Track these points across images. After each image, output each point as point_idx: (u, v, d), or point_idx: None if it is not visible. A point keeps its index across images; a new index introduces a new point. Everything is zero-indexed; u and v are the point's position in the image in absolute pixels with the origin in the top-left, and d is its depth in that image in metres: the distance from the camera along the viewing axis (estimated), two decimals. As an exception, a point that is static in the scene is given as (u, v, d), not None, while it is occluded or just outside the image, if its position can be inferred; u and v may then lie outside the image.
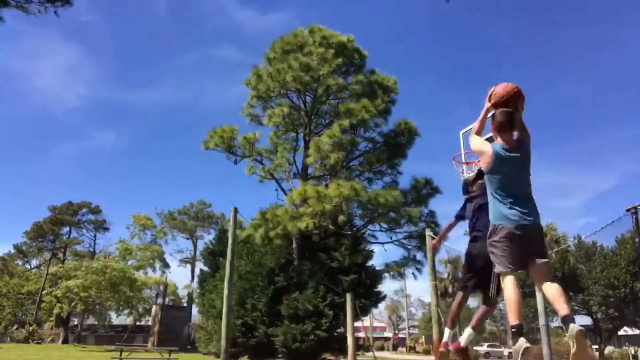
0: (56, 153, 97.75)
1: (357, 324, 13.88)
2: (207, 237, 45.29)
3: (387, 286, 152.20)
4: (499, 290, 3.28)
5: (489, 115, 3.16)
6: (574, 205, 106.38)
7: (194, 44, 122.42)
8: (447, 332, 4.09)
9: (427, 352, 43.02)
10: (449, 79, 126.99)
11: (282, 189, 15.44)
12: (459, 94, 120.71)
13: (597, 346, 29.18)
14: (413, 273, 15.92)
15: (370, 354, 20.53)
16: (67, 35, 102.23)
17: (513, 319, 2.78)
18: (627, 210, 4.54)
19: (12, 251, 51.04)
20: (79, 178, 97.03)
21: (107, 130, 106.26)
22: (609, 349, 31.45)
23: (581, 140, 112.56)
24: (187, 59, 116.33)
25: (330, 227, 13.45)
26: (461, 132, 8.61)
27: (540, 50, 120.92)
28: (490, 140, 3.16)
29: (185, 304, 48.03)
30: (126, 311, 42.11)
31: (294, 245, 15.06)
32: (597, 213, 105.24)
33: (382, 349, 53.97)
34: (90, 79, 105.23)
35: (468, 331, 3.95)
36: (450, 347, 3.90)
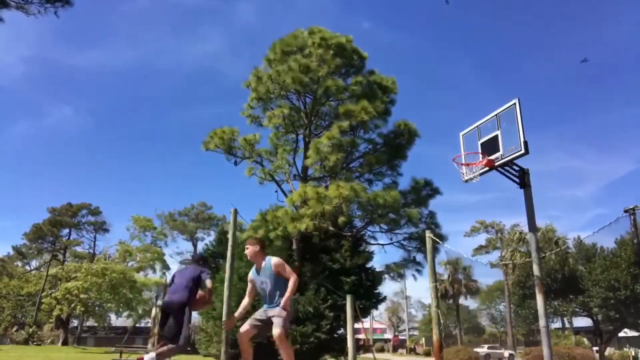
0: (11, 135, 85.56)
1: (357, 325, 13.87)
2: (208, 239, 45.42)
3: (387, 288, 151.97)
4: None
5: None
6: (585, 194, 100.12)
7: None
8: None
9: (427, 354, 42.95)
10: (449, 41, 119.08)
11: (282, 191, 15.43)
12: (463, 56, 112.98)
13: (597, 347, 29.14)
14: (413, 274, 15.97)
15: (370, 355, 20.51)
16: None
17: None
18: (625, 211, 4.53)
19: (11, 253, 51.01)
20: (45, 164, 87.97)
21: (63, 105, 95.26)
22: (609, 351, 31.42)
23: (594, 118, 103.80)
24: (137, 5, 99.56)
25: (331, 228, 13.43)
26: (461, 134, 8.62)
27: (550, 15, 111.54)
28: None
29: (185, 306, 47.84)
30: (126, 313, 42.18)
31: (295, 246, 15.07)
32: (610, 204, 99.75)
33: (382, 350, 53.91)
34: (30, 36, 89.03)
35: None
36: None
